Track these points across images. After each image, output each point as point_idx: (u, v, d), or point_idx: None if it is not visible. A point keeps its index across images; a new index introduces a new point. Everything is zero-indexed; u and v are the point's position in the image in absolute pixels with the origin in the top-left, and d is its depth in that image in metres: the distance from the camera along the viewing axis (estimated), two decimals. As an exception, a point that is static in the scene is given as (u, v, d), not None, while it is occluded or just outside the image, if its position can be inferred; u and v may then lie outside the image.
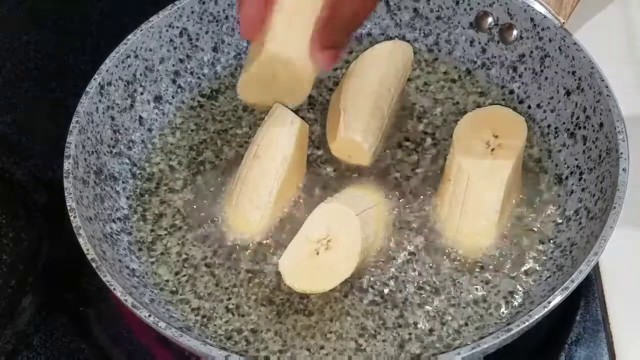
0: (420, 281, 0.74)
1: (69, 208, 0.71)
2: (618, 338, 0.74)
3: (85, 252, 0.69)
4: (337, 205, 0.72)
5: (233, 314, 0.73)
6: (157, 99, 0.84)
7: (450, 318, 0.72)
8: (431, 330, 0.72)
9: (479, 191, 0.74)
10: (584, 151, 0.78)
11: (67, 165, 0.74)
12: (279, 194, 0.76)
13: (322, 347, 0.71)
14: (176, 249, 0.77)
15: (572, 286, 0.67)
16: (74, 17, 1.02)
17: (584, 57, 0.78)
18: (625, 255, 0.78)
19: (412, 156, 0.81)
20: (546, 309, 0.66)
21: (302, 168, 0.79)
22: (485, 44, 0.86)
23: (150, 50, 0.83)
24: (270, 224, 0.76)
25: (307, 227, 0.71)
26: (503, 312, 0.72)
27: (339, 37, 0.70)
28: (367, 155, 0.79)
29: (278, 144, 0.76)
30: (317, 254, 0.70)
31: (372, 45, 0.84)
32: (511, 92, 0.85)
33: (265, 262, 0.75)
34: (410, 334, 0.71)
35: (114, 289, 0.67)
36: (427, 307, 0.73)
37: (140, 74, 0.83)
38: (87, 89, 0.79)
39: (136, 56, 0.82)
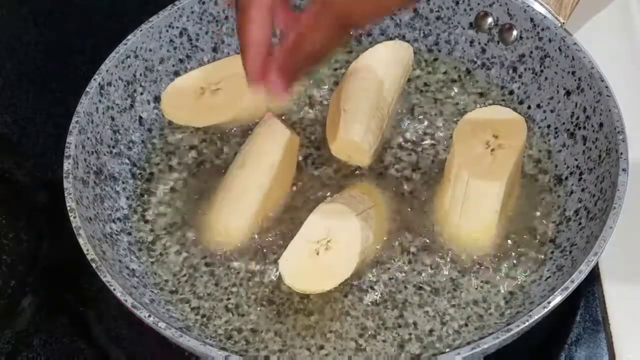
0: (420, 281, 0.74)
1: (69, 208, 0.71)
2: (618, 338, 0.74)
3: (85, 252, 0.69)
4: (337, 205, 0.72)
5: (233, 314, 0.73)
6: (157, 99, 0.84)
7: (450, 318, 0.72)
8: (431, 330, 0.72)
9: (478, 191, 0.74)
10: (583, 151, 0.78)
11: (67, 165, 0.74)
12: (260, 206, 0.75)
13: (322, 347, 0.71)
14: (176, 249, 0.77)
15: (572, 286, 0.67)
16: (74, 17, 1.02)
17: (584, 57, 0.78)
18: (625, 255, 0.78)
19: (412, 156, 0.81)
20: (546, 309, 0.66)
21: (288, 181, 0.79)
22: (485, 44, 0.86)
23: (150, 50, 0.83)
24: (250, 233, 0.76)
25: (307, 228, 0.71)
26: (503, 312, 0.72)
27: (300, 67, 0.63)
28: (367, 156, 0.79)
29: (264, 155, 0.76)
30: (317, 254, 0.70)
31: (372, 45, 0.84)
32: (511, 92, 0.85)
33: (265, 262, 0.75)
34: (410, 334, 0.71)
35: (114, 289, 0.67)
36: (427, 308, 0.73)
37: (140, 74, 0.83)
38: (87, 89, 0.79)
39: (136, 56, 0.82)
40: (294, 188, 0.79)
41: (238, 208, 0.75)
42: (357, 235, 0.70)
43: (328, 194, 0.78)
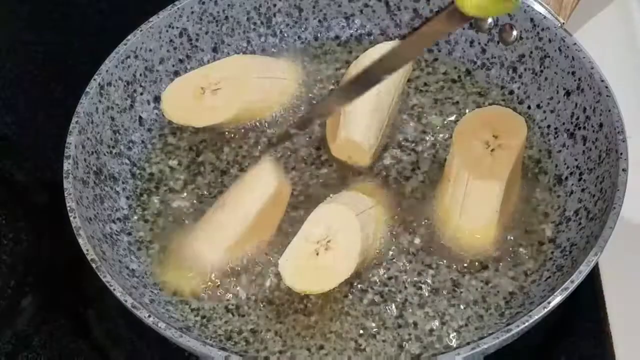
0: (420, 281, 0.74)
1: (68, 208, 0.71)
2: (618, 338, 0.74)
3: (85, 252, 0.69)
4: (337, 205, 0.72)
5: (233, 314, 0.73)
6: (157, 99, 0.84)
7: (450, 318, 0.72)
8: (431, 330, 0.72)
9: (478, 191, 0.74)
10: (583, 151, 0.78)
11: (67, 165, 0.74)
12: (236, 245, 0.74)
13: (322, 347, 0.71)
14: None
15: (572, 286, 0.67)
16: (74, 17, 1.02)
17: (584, 57, 0.78)
18: (625, 255, 0.78)
19: (412, 156, 0.81)
20: (546, 309, 0.66)
21: (270, 227, 0.76)
22: (485, 44, 0.86)
23: (150, 50, 0.83)
24: (223, 265, 0.74)
25: (307, 228, 0.71)
26: (503, 312, 0.72)
27: None
28: (367, 156, 0.79)
29: (241, 204, 0.75)
30: (317, 254, 0.70)
31: (372, 45, 0.84)
32: (511, 92, 0.85)
33: (265, 262, 0.75)
34: (410, 334, 0.71)
35: (114, 289, 0.67)
36: (427, 307, 0.73)
37: (140, 75, 0.83)
38: (87, 89, 0.79)
39: (136, 56, 0.82)
40: (294, 188, 0.79)
41: (212, 242, 0.74)
42: (357, 235, 0.70)
43: (328, 194, 0.78)
